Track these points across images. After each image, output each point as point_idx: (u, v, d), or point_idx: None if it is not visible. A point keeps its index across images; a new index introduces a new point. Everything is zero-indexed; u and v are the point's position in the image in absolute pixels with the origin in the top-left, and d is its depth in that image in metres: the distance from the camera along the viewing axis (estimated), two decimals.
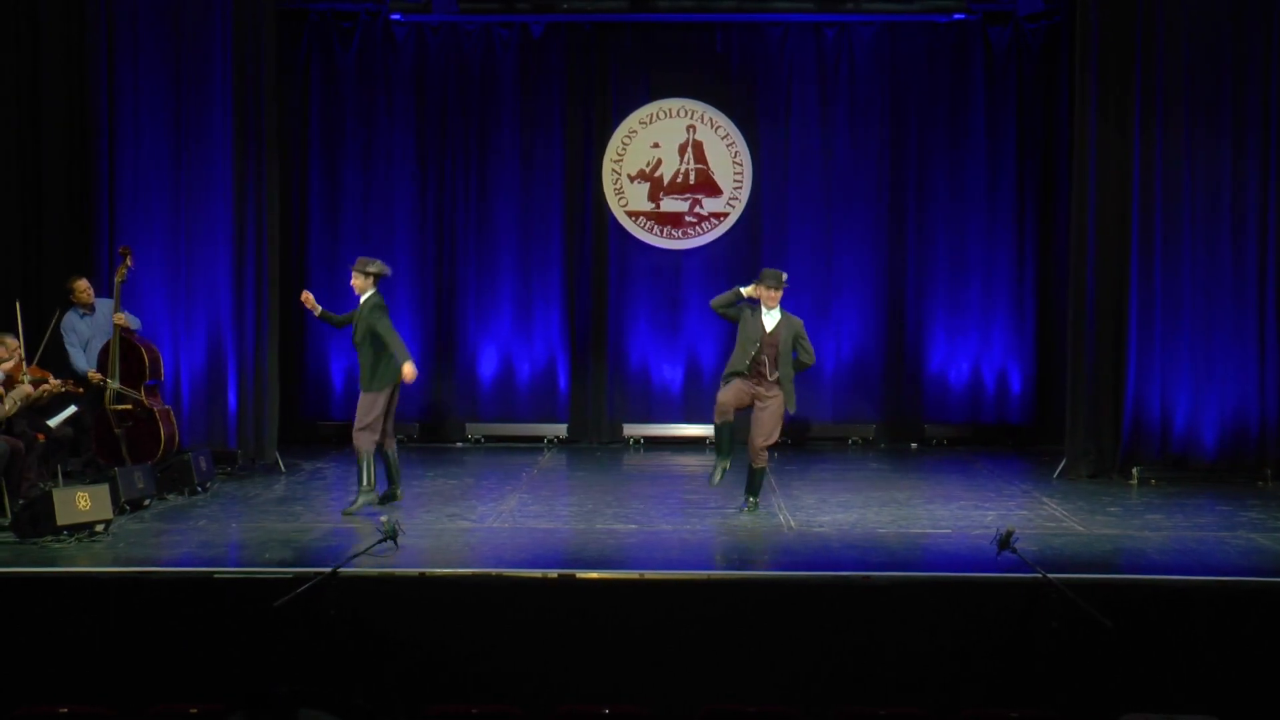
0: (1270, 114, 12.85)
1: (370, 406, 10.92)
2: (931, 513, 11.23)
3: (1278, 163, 12.85)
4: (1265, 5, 12.84)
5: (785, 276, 11.18)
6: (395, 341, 10.94)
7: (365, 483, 10.89)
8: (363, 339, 10.96)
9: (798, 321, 11.23)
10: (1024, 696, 8.03)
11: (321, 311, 11.31)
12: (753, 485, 11.24)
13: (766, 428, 11.05)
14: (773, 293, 11.05)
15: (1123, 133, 12.95)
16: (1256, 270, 12.90)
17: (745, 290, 11.14)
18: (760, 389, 11.02)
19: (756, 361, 10.99)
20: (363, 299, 11.05)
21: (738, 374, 11.06)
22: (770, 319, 11.06)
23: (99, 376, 12.11)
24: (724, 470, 11.16)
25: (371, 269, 11.04)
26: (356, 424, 10.97)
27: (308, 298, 11.28)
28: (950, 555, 9.52)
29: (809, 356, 11.29)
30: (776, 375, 11.01)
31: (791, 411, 11.25)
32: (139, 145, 13.25)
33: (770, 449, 11.23)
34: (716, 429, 11.27)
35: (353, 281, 11.14)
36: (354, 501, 10.95)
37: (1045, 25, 15.45)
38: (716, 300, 11.28)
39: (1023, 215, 15.68)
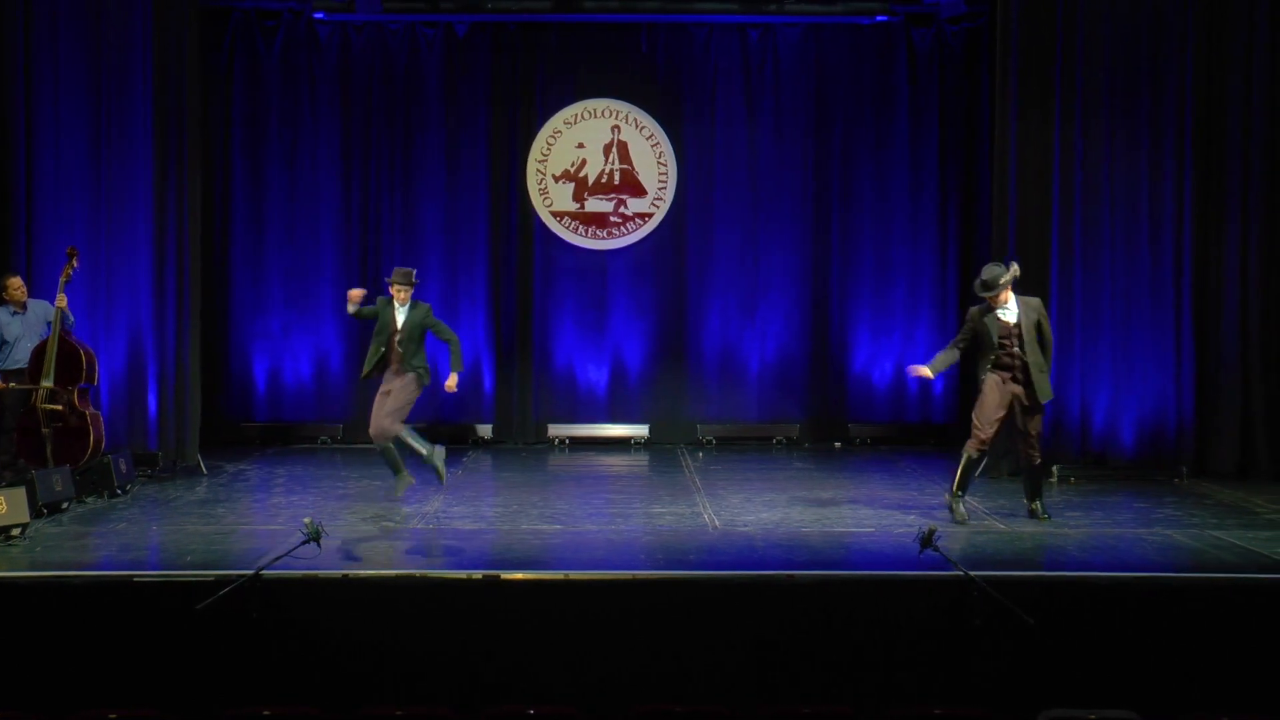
0: (1186, 116, 13.05)
1: (410, 399, 11.47)
2: (855, 511, 11.29)
3: (1194, 164, 13.06)
4: (1181, 9, 13.03)
5: (1000, 273, 10.58)
6: (459, 351, 11.72)
7: (402, 466, 11.55)
8: (408, 337, 11.37)
9: (1036, 301, 10.77)
10: (948, 694, 8.10)
11: (357, 309, 11.55)
12: (1036, 488, 10.90)
13: (1039, 427, 10.72)
14: (999, 295, 10.58)
15: (1043, 134, 13.08)
16: (1173, 270, 13.10)
17: (974, 310, 10.80)
18: (1019, 387, 10.61)
19: (1002, 358, 10.63)
20: (410, 304, 11.47)
21: (990, 369, 10.68)
22: (1009, 312, 10.64)
23: (3, 386, 11.92)
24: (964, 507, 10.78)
25: (413, 278, 11.59)
26: (391, 413, 11.31)
27: (357, 295, 11.53)
28: (874, 554, 9.58)
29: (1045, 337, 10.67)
30: (1027, 363, 10.53)
31: (1044, 400, 10.67)
32: (58, 144, 13.05)
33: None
34: (969, 460, 10.71)
35: (402, 294, 11.44)
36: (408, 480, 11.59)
37: (967, 27, 15.59)
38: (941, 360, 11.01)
39: (945, 216, 15.81)
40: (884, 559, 9.33)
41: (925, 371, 11.04)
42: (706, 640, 8.35)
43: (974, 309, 10.85)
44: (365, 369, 11.61)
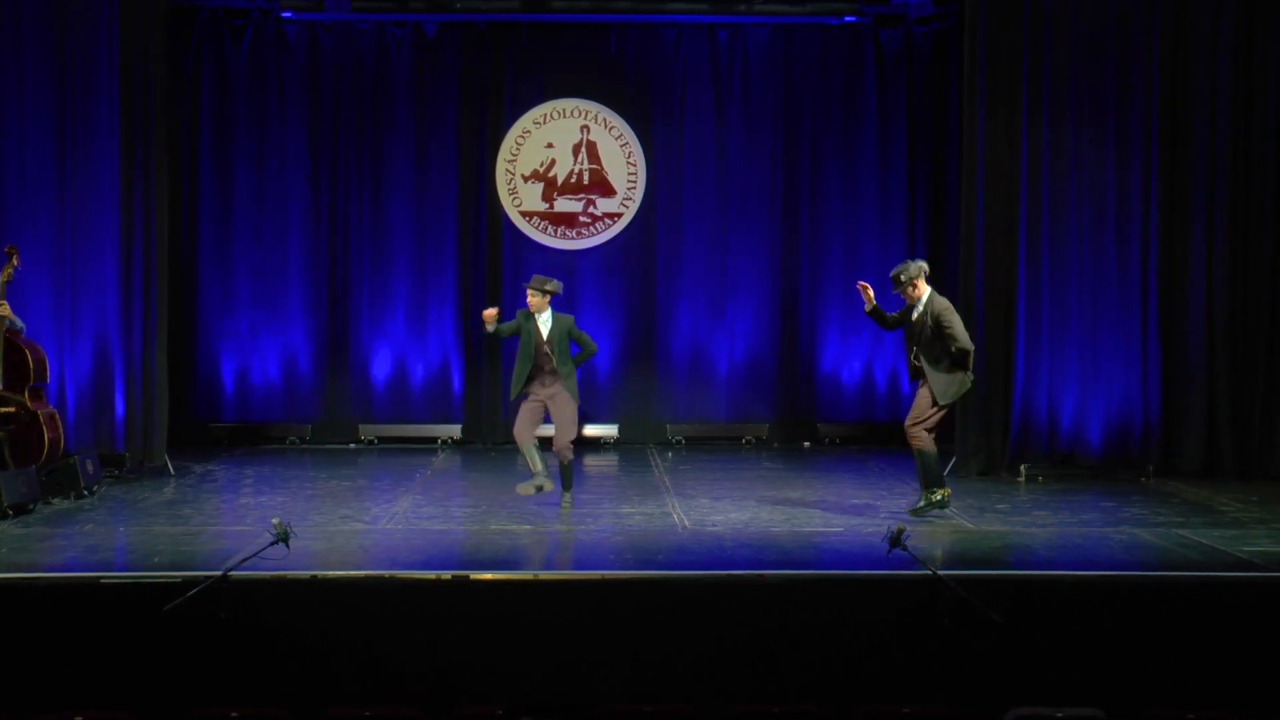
0: (1152, 116, 13.12)
1: (575, 412, 11.28)
2: (824, 511, 11.31)
3: (1160, 165, 13.12)
4: (1148, 12, 13.10)
5: (911, 269, 10.72)
6: (586, 359, 11.59)
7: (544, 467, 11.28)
8: (555, 347, 11.12)
9: (941, 301, 10.73)
10: (917, 692, 8.13)
11: (495, 328, 11.30)
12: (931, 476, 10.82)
13: (935, 420, 10.70)
14: (907, 289, 10.68)
15: (1011, 136, 13.13)
16: (1140, 269, 13.16)
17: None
18: (926, 385, 10.69)
19: (910, 355, 10.72)
20: (545, 314, 11.19)
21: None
22: (918, 310, 10.71)
23: None
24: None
25: (549, 287, 11.30)
26: (570, 425, 11.17)
27: (491, 315, 11.26)
28: (843, 553, 9.60)
29: (954, 342, 10.57)
30: (925, 366, 10.60)
31: (941, 404, 10.69)
32: (23, 144, 12.92)
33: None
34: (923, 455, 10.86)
35: (531, 300, 11.21)
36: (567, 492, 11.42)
37: (935, 28, 15.63)
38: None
39: (913, 216, 15.86)
40: (853, 558, 9.35)
41: (869, 295, 11.06)
42: (676, 640, 8.36)
43: None
44: (515, 389, 11.27)
